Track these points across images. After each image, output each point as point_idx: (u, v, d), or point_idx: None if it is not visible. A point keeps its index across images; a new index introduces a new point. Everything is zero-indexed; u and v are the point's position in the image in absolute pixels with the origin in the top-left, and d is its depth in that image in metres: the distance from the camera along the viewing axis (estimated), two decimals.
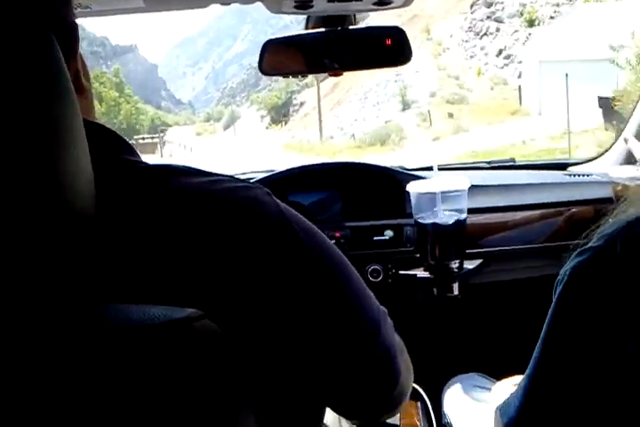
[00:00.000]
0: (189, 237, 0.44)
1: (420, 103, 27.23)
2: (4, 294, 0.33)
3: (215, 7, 1.21)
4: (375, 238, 1.53)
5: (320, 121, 31.77)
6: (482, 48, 27.81)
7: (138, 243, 0.43)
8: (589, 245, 0.68)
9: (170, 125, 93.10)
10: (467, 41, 29.41)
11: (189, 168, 0.50)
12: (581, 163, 1.85)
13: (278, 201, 0.51)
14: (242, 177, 1.77)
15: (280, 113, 51.67)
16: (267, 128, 53.44)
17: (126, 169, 0.47)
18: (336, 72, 1.31)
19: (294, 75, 1.31)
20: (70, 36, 0.48)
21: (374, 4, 1.12)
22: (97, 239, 0.39)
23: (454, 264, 1.42)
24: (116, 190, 0.44)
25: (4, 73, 0.32)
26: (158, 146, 33.85)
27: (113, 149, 0.48)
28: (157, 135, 39.65)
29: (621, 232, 0.63)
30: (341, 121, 32.11)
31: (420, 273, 1.47)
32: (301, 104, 47.46)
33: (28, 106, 0.33)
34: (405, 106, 27.98)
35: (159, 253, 0.43)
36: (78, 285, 0.38)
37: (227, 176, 0.51)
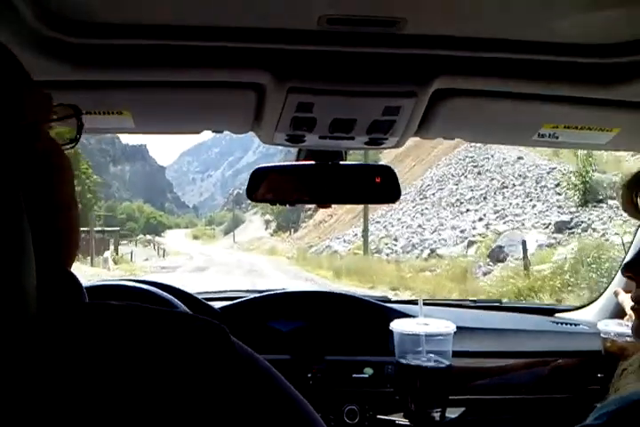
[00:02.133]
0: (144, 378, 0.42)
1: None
2: None
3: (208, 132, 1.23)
4: (354, 375, 1.45)
5: (366, 228, 21.18)
6: None
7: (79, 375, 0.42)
8: (588, 422, 0.67)
9: (168, 226, 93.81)
10: None
11: (141, 309, 0.48)
12: (569, 310, 1.82)
13: (236, 341, 0.48)
14: (224, 295, 1.73)
15: (289, 219, 45.41)
16: (271, 235, 47.44)
17: (86, 310, 0.48)
18: (324, 204, 1.31)
19: (282, 203, 1.31)
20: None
21: (365, 143, 1.14)
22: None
23: (436, 413, 1.32)
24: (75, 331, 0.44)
25: None
26: (110, 246, 29.63)
27: (75, 293, 0.51)
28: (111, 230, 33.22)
29: (625, 412, 0.62)
30: (388, 229, 22.04)
31: (400, 419, 1.37)
32: (315, 209, 40.67)
33: None
34: (592, 197, 14.38)
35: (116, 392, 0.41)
36: None
37: (172, 313, 0.50)
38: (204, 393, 0.42)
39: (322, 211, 34.79)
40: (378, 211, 25.11)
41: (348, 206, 27.37)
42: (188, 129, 1.20)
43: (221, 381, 0.44)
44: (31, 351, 0.40)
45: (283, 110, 0.99)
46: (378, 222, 23.89)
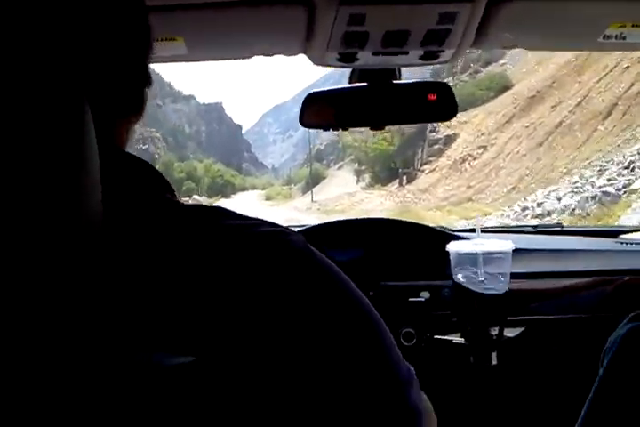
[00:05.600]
0: (226, 276, 0.44)
1: None
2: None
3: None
4: (410, 299, 1.47)
5: None
6: None
7: (175, 278, 0.43)
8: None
9: (242, 188, 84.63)
10: None
11: (226, 210, 0.51)
12: (634, 231, 1.77)
13: (315, 250, 0.50)
14: None
15: (389, 167, 31.75)
16: (365, 189, 33.71)
17: (170, 208, 0.48)
18: (379, 127, 1.31)
19: (335, 128, 1.31)
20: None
21: (420, 57, 1.12)
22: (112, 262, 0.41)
23: (494, 331, 1.32)
24: (161, 227, 0.46)
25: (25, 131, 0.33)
26: None
27: (158, 188, 0.50)
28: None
29: None
30: None
31: (457, 339, 1.38)
32: (446, 142, 24.94)
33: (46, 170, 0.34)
34: None
35: (195, 289, 0.43)
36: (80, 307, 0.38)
37: (263, 220, 0.51)
38: (282, 290, 0.45)
39: (459, 143, 22.42)
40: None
41: (512, 133, 19.25)
42: (240, 53, 1.20)
43: (297, 280, 0.46)
44: (104, 243, 0.40)
45: (334, 26, 0.97)
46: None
